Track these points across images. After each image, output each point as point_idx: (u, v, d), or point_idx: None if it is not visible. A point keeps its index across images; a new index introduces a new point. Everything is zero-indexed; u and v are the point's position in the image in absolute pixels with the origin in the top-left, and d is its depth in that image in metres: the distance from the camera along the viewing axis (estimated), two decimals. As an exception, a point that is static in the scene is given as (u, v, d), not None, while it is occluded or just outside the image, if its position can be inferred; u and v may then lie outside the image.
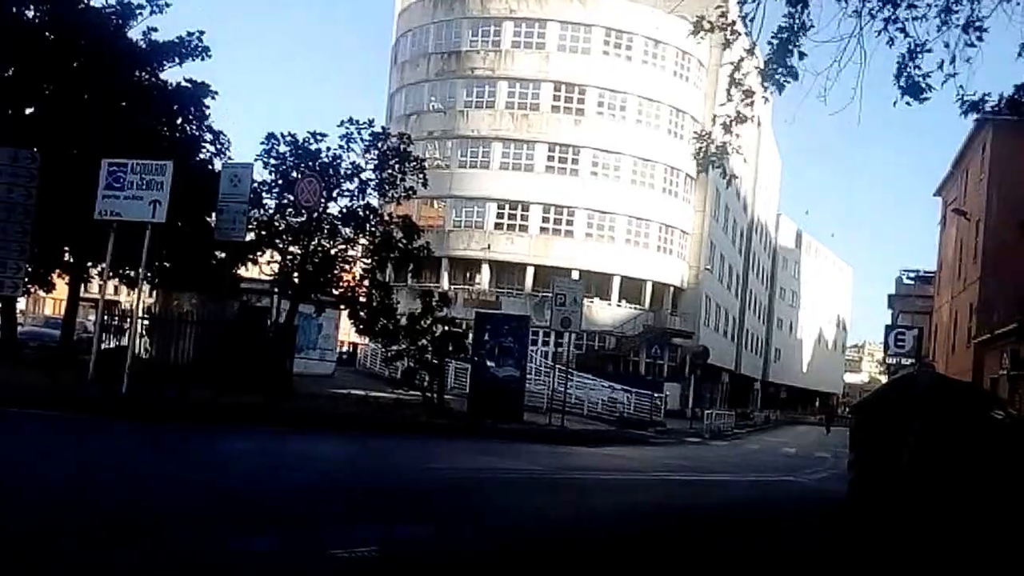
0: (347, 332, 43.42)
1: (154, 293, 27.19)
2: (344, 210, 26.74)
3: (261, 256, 26.95)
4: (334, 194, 26.19)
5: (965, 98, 11.91)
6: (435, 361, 27.02)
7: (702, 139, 13.35)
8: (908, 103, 11.68)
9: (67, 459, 12.09)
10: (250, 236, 24.39)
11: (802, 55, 11.91)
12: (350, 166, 26.50)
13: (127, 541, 7.39)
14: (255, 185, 23.66)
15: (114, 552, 7.02)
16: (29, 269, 22.43)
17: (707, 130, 13.50)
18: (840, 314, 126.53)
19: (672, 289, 63.39)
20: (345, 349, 51.09)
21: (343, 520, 9.55)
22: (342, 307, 29.48)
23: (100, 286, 23.17)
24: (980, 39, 11.32)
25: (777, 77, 12.08)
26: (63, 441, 14.03)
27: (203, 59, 25.67)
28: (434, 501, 11.66)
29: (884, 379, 61.19)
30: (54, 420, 15.77)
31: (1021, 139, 34.08)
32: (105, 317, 23.14)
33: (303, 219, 25.36)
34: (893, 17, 11.52)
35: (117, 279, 26.31)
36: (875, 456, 13.74)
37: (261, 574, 7.01)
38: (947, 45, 11.36)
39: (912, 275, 66.38)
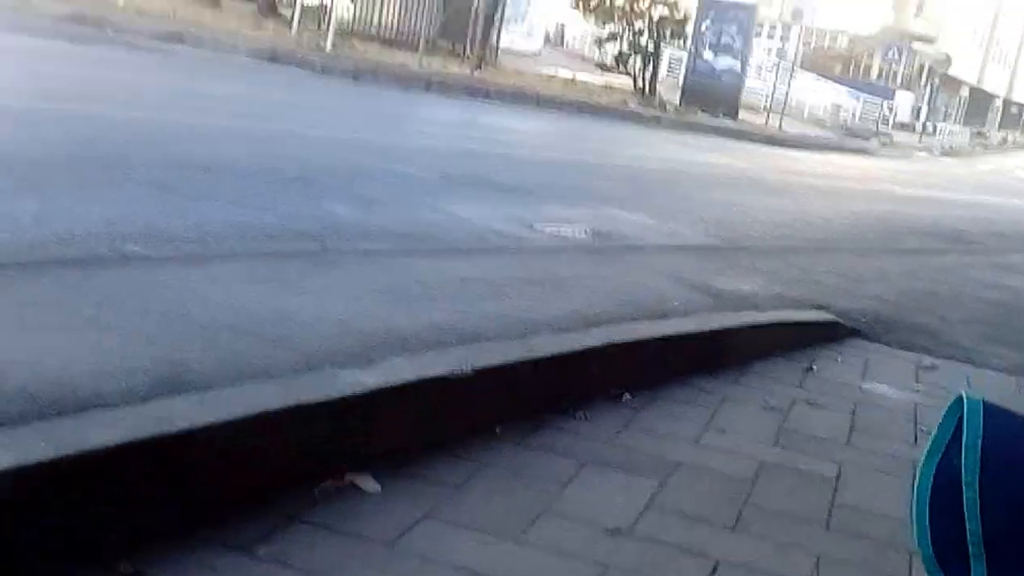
0: (556, 9, 42.55)
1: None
2: None
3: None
4: None
5: None
6: (650, 47, 26.37)
7: None
8: None
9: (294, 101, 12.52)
10: None
11: None
12: None
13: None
14: None
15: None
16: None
17: None
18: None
19: (920, -16, 59.10)
20: (553, 28, 50.20)
21: (554, 198, 9.58)
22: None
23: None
24: None
25: None
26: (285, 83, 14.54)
27: None
28: (645, 190, 11.59)
29: None
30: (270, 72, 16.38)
31: None
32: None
33: None
34: None
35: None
36: None
37: (458, 235, 7.07)
38: None
39: None
